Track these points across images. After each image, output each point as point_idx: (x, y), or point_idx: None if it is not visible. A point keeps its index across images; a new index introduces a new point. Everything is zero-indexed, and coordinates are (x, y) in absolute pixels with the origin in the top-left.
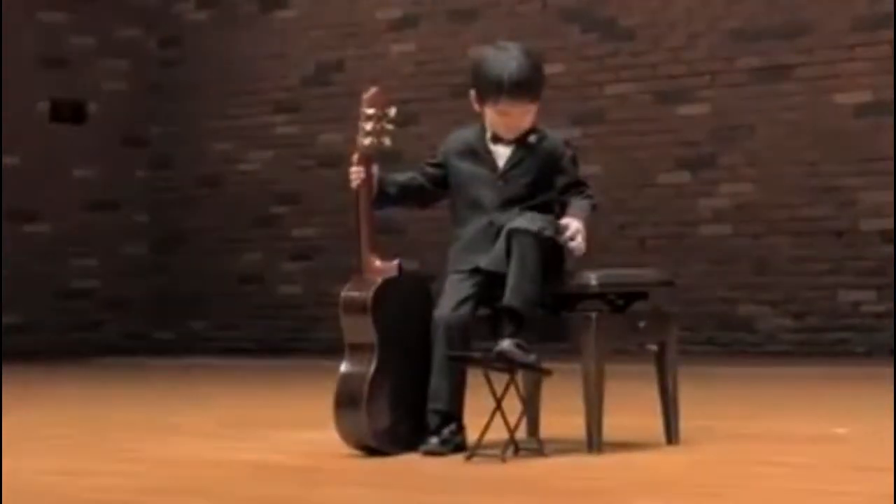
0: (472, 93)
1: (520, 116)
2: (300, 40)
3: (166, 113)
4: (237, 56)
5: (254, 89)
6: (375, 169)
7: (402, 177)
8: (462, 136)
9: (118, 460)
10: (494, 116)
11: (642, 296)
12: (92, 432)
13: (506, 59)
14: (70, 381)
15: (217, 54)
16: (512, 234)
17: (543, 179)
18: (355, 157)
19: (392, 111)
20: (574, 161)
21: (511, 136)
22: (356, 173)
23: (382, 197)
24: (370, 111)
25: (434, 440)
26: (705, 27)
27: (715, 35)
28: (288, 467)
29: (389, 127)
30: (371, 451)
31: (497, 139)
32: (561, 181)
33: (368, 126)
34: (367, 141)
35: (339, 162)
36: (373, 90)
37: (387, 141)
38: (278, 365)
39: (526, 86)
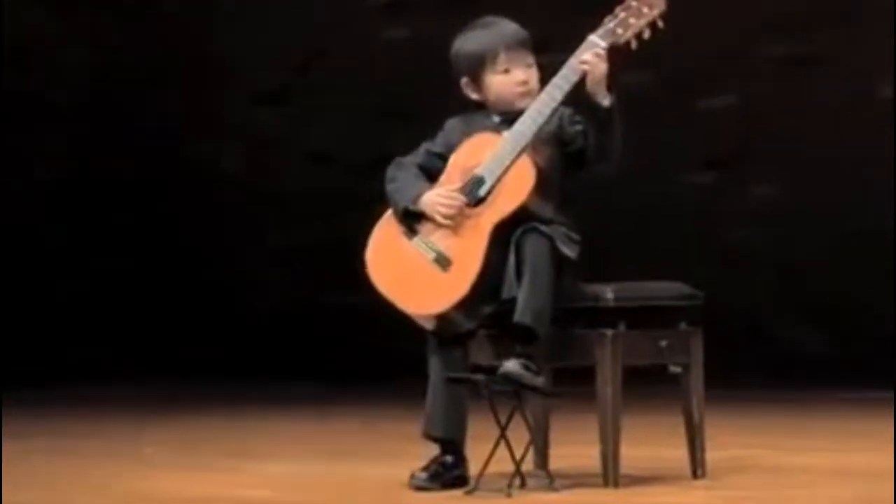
0: (464, 80)
1: (525, 72)
2: (284, 26)
3: (139, 106)
4: (215, 44)
5: (233, 80)
6: None
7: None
8: (465, 121)
9: (94, 494)
10: (499, 82)
11: (664, 311)
12: (68, 462)
13: (490, 22)
14: (42, 406)
15: (193, 43)
16: (526, 234)
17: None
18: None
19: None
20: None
21: (524, 101)
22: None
23: None
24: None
25: (422, 474)
26: (733, 14)
27: (744, 22)
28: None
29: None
30: None
31: (504, 121)
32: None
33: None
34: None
35: (327, 159)
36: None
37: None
38: (260, 387)
39: (522, 37)
